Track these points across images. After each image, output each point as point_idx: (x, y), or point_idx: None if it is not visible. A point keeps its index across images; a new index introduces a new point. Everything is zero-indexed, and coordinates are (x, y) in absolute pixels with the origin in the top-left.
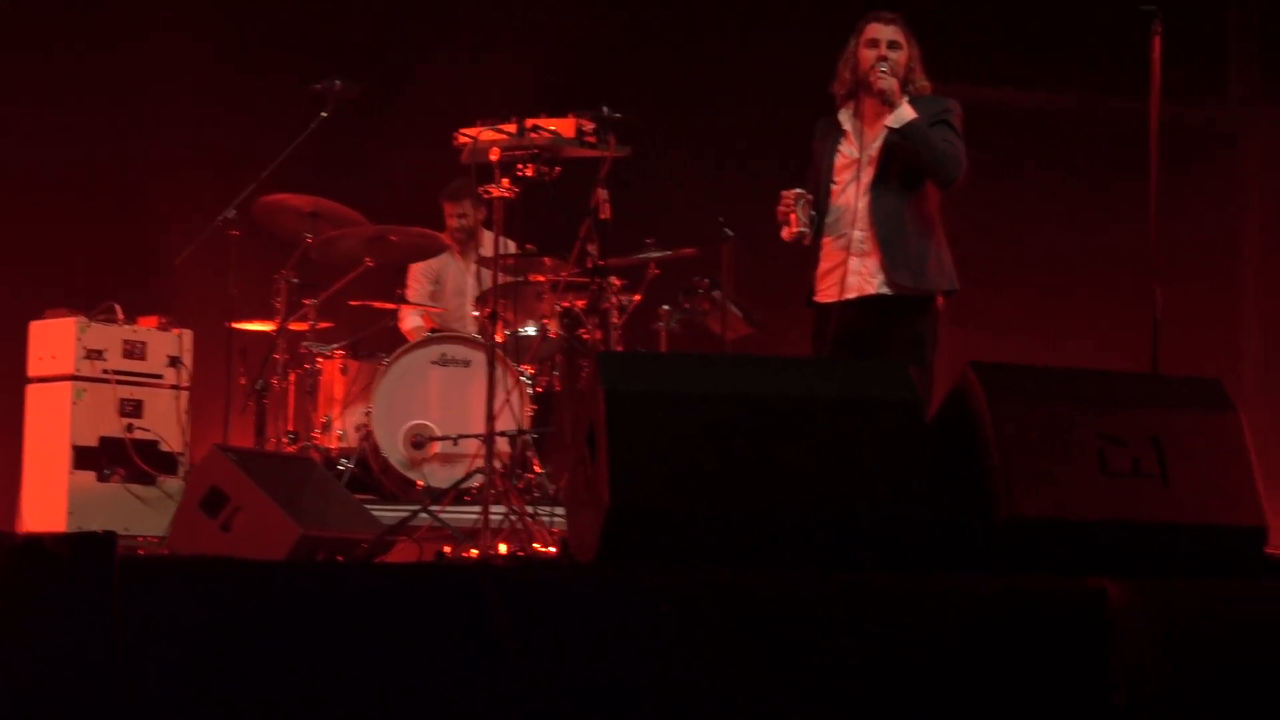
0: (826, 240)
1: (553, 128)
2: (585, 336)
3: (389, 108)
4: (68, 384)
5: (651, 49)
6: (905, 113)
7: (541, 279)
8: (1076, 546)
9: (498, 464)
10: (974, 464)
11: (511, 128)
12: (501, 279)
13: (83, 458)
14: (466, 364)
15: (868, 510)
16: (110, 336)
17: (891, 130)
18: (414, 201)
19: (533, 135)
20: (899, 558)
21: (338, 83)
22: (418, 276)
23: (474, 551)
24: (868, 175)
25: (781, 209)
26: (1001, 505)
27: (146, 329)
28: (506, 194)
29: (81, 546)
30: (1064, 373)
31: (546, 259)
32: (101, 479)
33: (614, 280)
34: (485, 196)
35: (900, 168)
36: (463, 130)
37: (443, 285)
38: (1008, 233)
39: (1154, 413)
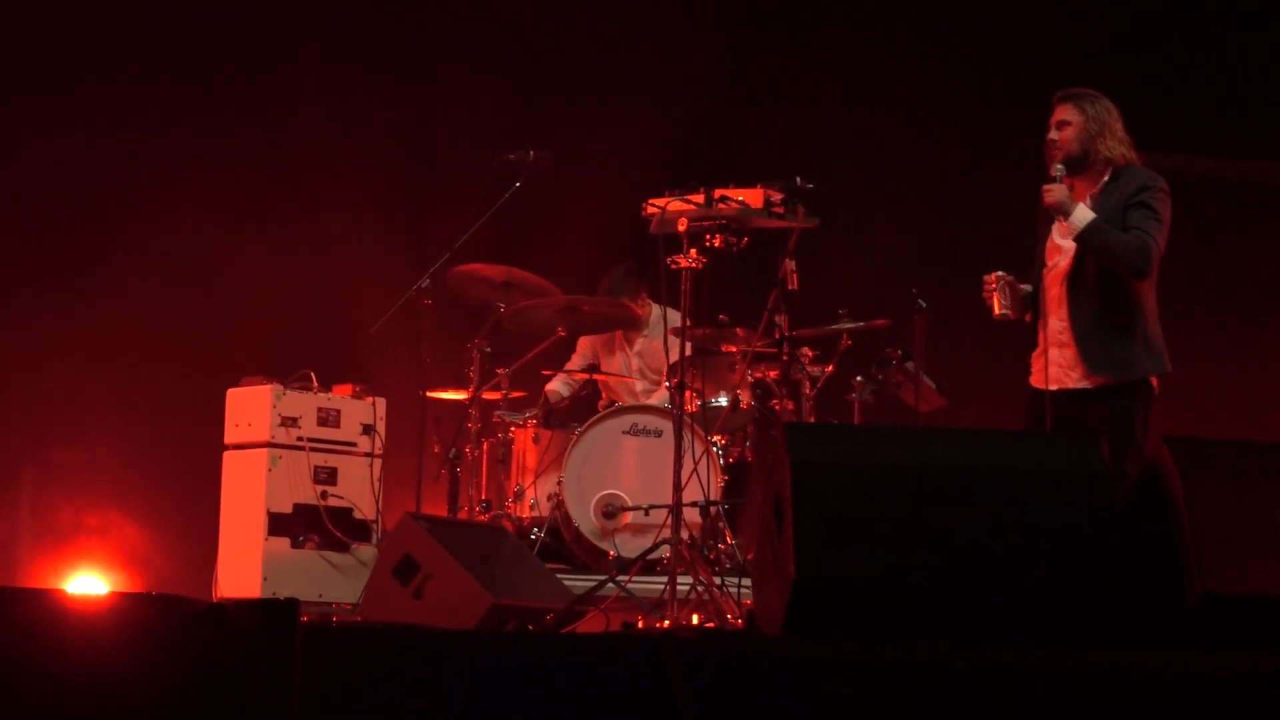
0: (1038, 325)
1: (740, 198)
2: (777, 407)
3: (580, 176)
4: (263, 451)
5: (841, 117)
6: (1080, 218)
7: (733, 350)
8: (1271, 623)
9: (687, 535)
10: (1168, 540)
11: (699, 198)
12: (693, 350)
13: (277, 524)
14: (658, 434)
15: (1056, 585)
16: (305, 404)
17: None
18: (604, 271)
19: (720, 206)
20: (1089, 634)
21: (531, 153)
22: (581, 349)
23: (666, 623)
24: (1065, 264)
25: (984, 293)
26: (1194, 582)
27: (341, 397)
28: (694, 264)
29: (264, 614)
30: (1258, 447)
31: (739, 330)
32: (296, 545)
33: (806, 351)
34: (673, 267)
35: (1096, 259)
36: (651, 200)
37: (604, 362)
38: (1210, 304)
39: None
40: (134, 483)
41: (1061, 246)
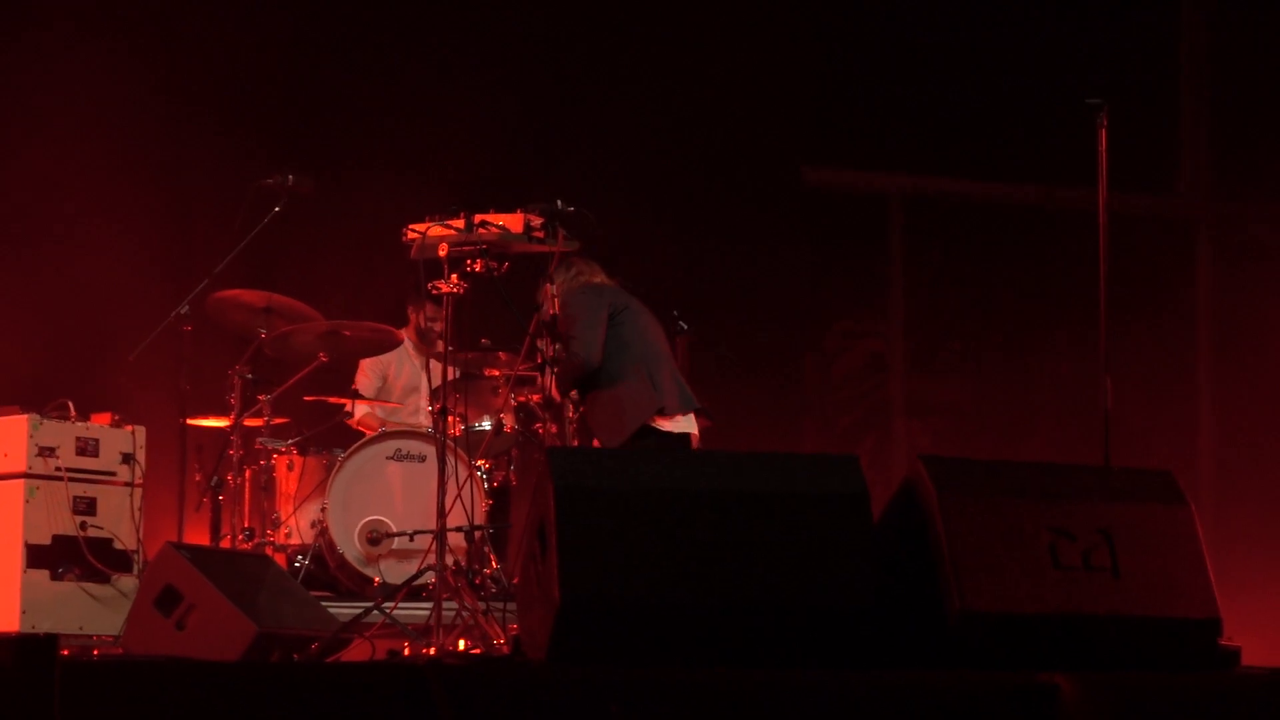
0: None
1: (500, 223)
2: (540, 431)
3: (341, 201)
4: (20, 482)
5: (601, 136)
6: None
7: (496, 374)
8: (1028, 641)
9: (452, 560)
10: (924, 558)
11: (459, 223)
12: (455, 374)
13: (36, 556)
14: (422, 459)
15: (815, 605)
16: (63, 433)
17: None
18: (367, 296)
19: (480, 231)
20: (848, 653)
21: (290, 177)
22: (366, 371)
23: (432, 650)
24: None
25: None
26: (952, 599)
27: (99, 426)
28: (455, 289)
29: (21, 651)
30: (1014, 466)
31: (501, 354)
32: (55, 578)
33: None
34: (434, 293)
35: None
36: (411, 226)
37: (391, 382)
38: (964, 323)
39: (1105, 505)
40: None
41: None
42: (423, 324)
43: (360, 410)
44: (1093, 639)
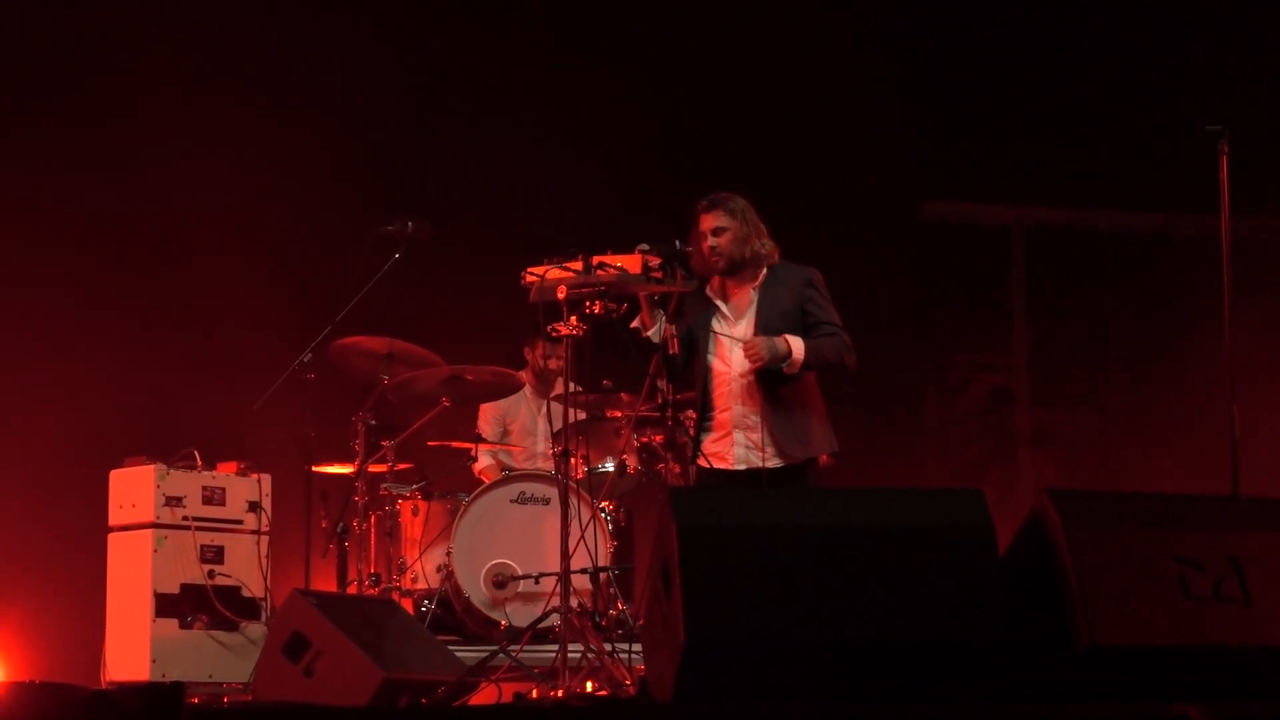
0: (715, 411)
1: (619, 264)
2: (663, 471)
3: (459, 246)
4: (148, 531)
5: (719, 174)
6: (796, 353)
7: (618, 415)
8: (1158, 672)
9: (577, 602)
10: (1052, 591)
11: (578, 265)
12: (577, 416)
13: (165, 605)
14: (546, 501)
15: (942, 640)
16: (189, 483)
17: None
18: (487, 340)
19: (599, 272)
20: (977, 687)
21: (410, 223)
22: (487, 417)
23: (559, 692)
24: (741, 355)
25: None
26: (1081, 633)
27: (225, 474)
28: (575, 332)
29: (149, 698)
30: (1140, 497)
31: (623, 395)
32: (184, 626)
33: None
34: (554, 335)
35: None
36: (530, 269)
37: (510, 426)
38: (1087, 354)
39: (1233, 534)
40: (18, 568)
41: (737, 336)
42: (539, 364)
43: (484, 460)
44: (1224, 669)
